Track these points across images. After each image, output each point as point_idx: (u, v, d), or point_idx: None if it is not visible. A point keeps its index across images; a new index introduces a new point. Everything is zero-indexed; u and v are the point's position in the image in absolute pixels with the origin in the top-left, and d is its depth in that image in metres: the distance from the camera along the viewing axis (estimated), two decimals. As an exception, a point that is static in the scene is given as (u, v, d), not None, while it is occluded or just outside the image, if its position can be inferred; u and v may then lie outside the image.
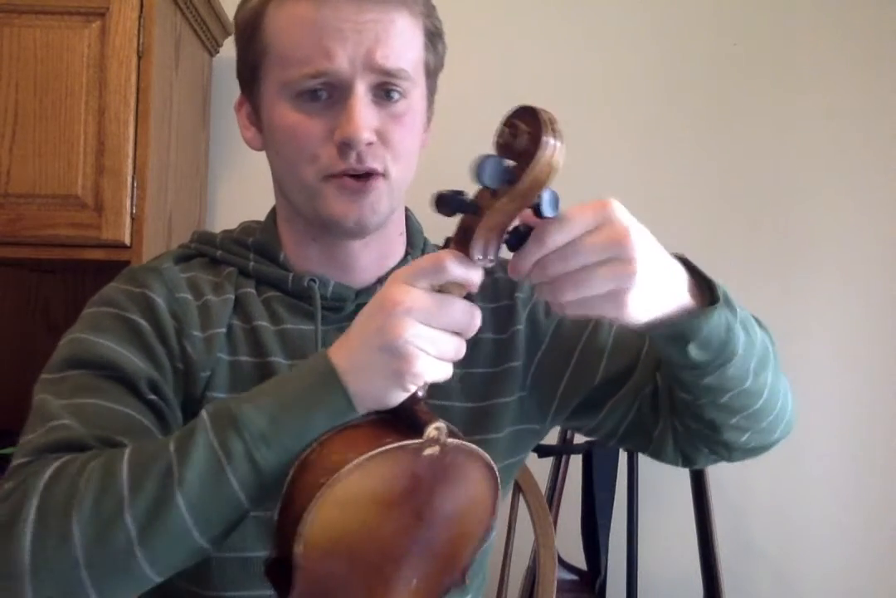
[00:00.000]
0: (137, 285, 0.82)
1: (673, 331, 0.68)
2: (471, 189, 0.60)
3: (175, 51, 1.74)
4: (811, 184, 2.06)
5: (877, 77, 2.07)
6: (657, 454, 0.88)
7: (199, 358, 0.79)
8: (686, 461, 0.88)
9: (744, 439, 0.81)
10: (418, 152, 0.86)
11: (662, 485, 1.93)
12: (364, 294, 0.85)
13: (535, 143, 0.56)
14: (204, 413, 0.64)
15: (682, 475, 1.72)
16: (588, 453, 1.71)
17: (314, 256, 0.86)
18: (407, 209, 0.94)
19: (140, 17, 1.58)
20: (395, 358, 0.59)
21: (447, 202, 0.59)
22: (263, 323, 0.83)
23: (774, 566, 2.00)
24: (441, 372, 0.62)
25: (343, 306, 0.85)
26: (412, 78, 0.81)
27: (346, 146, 0.77)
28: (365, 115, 0.77)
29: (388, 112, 0.79)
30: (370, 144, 0.77)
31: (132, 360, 0.76)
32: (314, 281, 0.83)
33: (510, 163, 0.57)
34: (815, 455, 2.01)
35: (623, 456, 1.76)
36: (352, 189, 0.78)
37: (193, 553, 0.63)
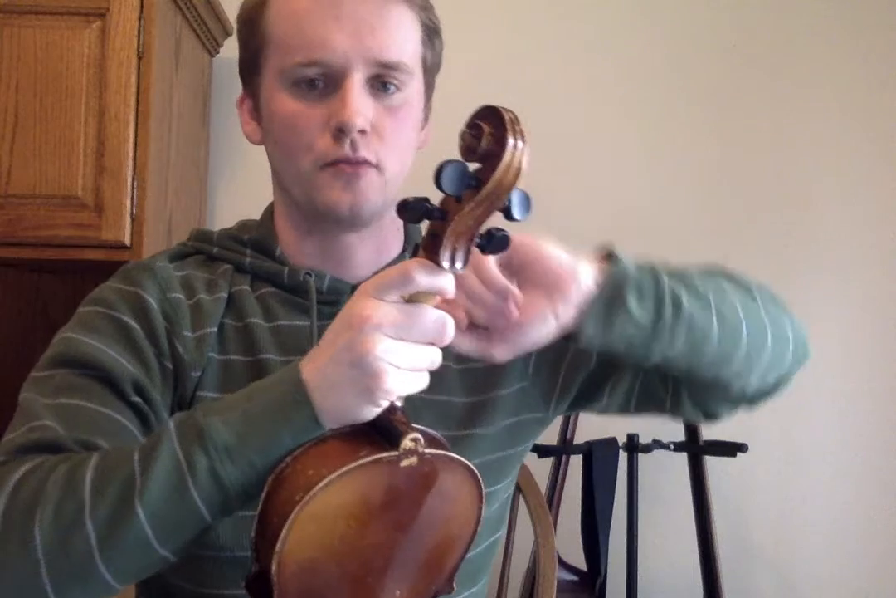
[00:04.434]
0: (130, 284, 0.82)
1: (601, 298, 0.68)
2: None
3: (175, 51, 1.74)
4: (812, 184, 2.06)
5: (878, 75, 2.07)
6: (676, 415, 0.87)
7: (189, 358, 0.79)
8: (707, 416, 0.87)
9: (756, 381, 0.79)
10: (414, 149, 0.86)
11: (662, 485, 1.93)
12: None
13: (499, 144, 0.53)
14: (171, 423, 0.63)
15: (682, 475, 1.73)
16: (588, 453, 1.71)
17: (310, 250, 0.86)
18: None
19: (140, 17, 1.58)
20: (366, 375, 0.58)
21: (411, 209, 0.56)
22: (257, 320, 0.82)
23: (774, 566, 2.00)
24: (415, 384, 0.60)
25: (339, 300, 0.84)
26: (410, 71, 0.81)
27: (340, 132, 0.77)
28: (359, 101, 0.77)
29: (384, 104, 0.80)
30: (363, 132, 0.78)
31: (119, 361, 0.76)
32: (310, 275, 0.83)
33: (475, 166, 0.55)
34: (816, 455, 2.01)
35: (623, 456, 1.77)
36: (347, 175, 0.79)
37: (155, 563, 0.62)
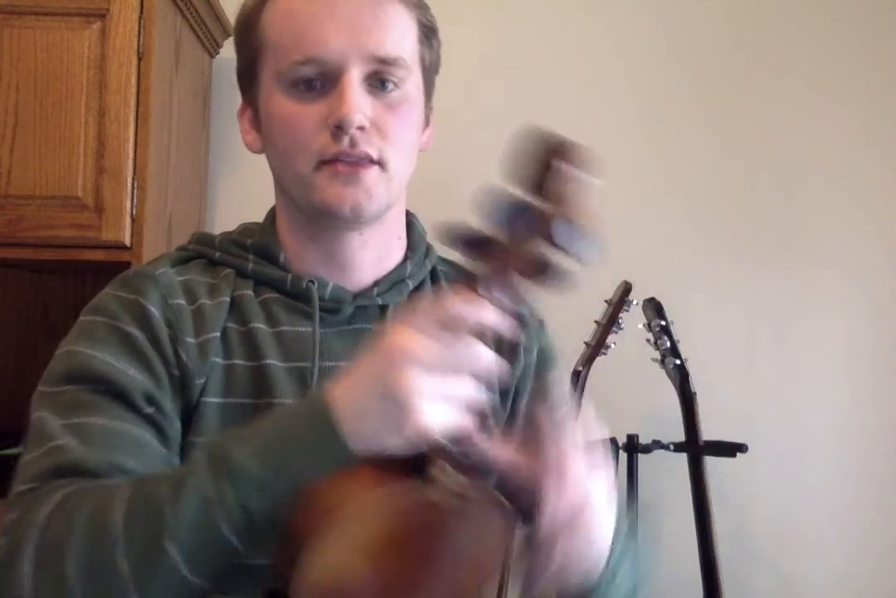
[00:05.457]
0: (131, 292, 0.81)
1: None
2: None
3: (175, 52, 1.74)
4: (812, 181, 2.06)
5: (878, 74, 2.08)
6: None
7: (194, 366, 0.78)
8: None
9: None
10: (416, 149, 0.85)
11: (662, 485, 1.93)
12: (361, 297, 0.85)
13: (567, 182, 0.51)
14: (198, 455, 0.63)
15: (682, 475, 1.72)
16: (588, 453, 1.71)
17: (313, 256, 0.85)
18: (410, 214, 0.93)
19: (140, 18, 1.58)
20: (398, 408, 0.57)
21: (458, 239, 0.55)
22: (260, 325, 0.82)
23: (774, 567, 2.00)
24: (450, 418, 0.59)
25: (340, 308, 0.84)
26: (408, 67, 0.80)
27: (338, 130, 0.77)
28: (357, 97, 0.77)
29: (383, 102, 0.79)
30: (362, 128, 0.77)
31: (127, 373, 0.75)
32: (313, 282, 0.83)
33: (534, 203, 0.52)
34: (816, 456, 2.01)
35: (623, 456, 1.77)
36: (345, 175, 0.78)
37: (190, 592, 0.62)
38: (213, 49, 1.98)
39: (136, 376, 0.76)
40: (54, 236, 1.56)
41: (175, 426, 0.77)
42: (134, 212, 1.58)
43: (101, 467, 0.69)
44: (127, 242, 1.56)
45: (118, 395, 0.74)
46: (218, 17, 1.91)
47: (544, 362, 0.94)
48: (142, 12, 1.58)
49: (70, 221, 1.56)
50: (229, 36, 1.96)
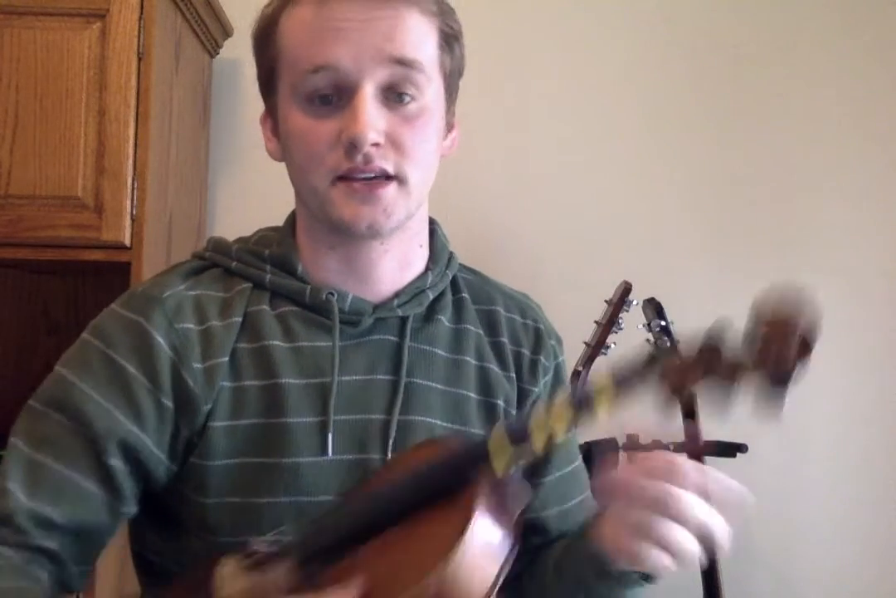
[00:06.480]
0: (136, 312, 0.80)
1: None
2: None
3: (175, 52, 1.74)
4: (813, 181, 2.07)
5: (878, 74, 2.08)
6: None
7: (200, 392, 0.78)
8: None
9: None
10: (437, 158, 0.83)
11: (662, 485, 1.93)
12: (381, 308, 0.84)
13: None
14: None
15: (682, 476, 1.73)
16: (588, 453, 1.71)
17: (332, 266, 0.84)
18: (434, 222, 0.92)
19: (140, 18, 1.58)
20: None
21: None
22: (275, 342, 0.81)
23: (774, 566, 2.00)
24: None
25: (360, 320, 0.83)
26: (426, 72, 0.78)
27: (352, 147, 0.75)
28: (370, 113, 0.75)
29: (400, 115, 0.77)
30: (377, 145, 0.76)
31: (108, 414, 0.76)
32: (332, 294, 0.82)
33: None
34: (816, 455, 2.01)
35: (623, 456, 1.76)
36: (362, 193, 0.77)
37: None
38: (213, 49, 1.98)
39: (116, 417, 0.76)
40: (54, 236, 1.56)
41: (151, 463, 0.77)
42: (134, 212, 1.58)
43: (29, 523, 0.72)
44: (127, 242, 1.56)
45: (90, 440, 0.75)
46: (218, 17, 1.91)
47: (558, 383, 0.95)
48: (142, 12, 1.58)
49: (70, 221, 1.56)
50: (229, 36, 1.97)
